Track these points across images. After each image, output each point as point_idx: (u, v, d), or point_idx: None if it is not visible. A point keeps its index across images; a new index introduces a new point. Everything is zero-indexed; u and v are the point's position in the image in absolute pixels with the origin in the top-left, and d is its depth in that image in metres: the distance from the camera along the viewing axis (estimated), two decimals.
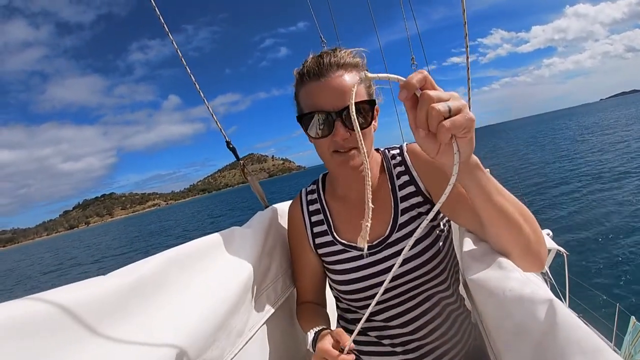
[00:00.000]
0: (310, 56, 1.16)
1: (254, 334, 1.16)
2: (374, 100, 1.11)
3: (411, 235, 1.16)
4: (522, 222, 0.92)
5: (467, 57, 1.28)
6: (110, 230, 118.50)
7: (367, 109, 1.09)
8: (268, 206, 1.61)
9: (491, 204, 0.90)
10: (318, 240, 1.32)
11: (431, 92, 0.67)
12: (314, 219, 1.36)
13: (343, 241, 1.27)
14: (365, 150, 1.13)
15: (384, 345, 1.25)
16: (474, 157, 0.83)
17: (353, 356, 0.99)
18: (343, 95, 1.06)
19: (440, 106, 0.66)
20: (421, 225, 0.76)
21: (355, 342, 1.31)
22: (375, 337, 1.26)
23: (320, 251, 1.32)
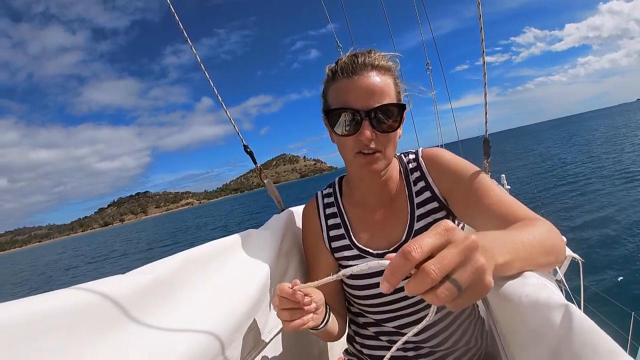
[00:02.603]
0: (346, 55, 1.15)
1: (273, 337, 1.15)
2: (404, 105, 1.10)
3: None
4: (542, 260, 0.89)
5: (485, 74, 1.26)
6: (147, 227, 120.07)
7: (395, 112, 1.07)
8: (284, 209, 1.60)
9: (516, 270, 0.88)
10: (334, 244, 1.29)
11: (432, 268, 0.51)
12: (330, 222, 1.32)
13: (360, 246, 1.25)
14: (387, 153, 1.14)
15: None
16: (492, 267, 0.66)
17: (312, 306, 0.96)
18: (373, 96, 1.05)
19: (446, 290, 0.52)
20: None
21: (366, 346, 1.31)
22: (387, 341, 1.25)
23: (336, 255, 1.29)
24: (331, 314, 1.16)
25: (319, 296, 1.02)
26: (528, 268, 0.89)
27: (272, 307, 1.18)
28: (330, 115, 1.11)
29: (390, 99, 1.08)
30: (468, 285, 0.53)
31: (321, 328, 1.07)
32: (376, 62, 1.09)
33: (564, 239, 0.97)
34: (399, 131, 1.17)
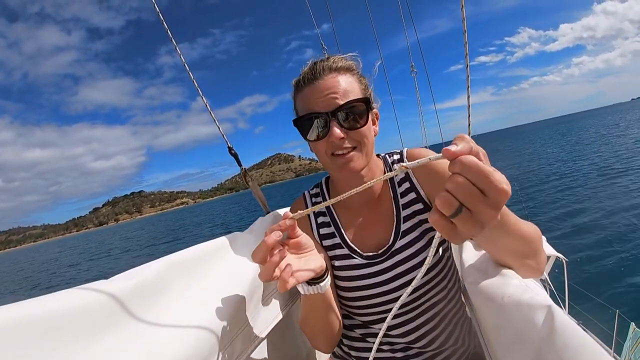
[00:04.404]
0: (307, 65, 1.16)
1: (259, 341, 1.11)
2: (368, 99, 1.09)
3: (414, 244, 1.16)
4: (526, 253, 0.91)
5: (468, 77, 1.26)
6: (144, 226, 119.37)
7: (362, 108, 1.08)
8: (269, 212, 1.57)
9: (499, 248, 0.90)
10: (325, 242, 1.28)
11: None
12: (320, 220, 1.31)
13: (351, 245, 1.24)
14: (366, 151, 1.14)
15: (383, 351, 1.22)
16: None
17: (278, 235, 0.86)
18: (336, 96, 1.06)
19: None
20: (429, 255, 0.63)
21: (353, 348, 1.29)
22: (374, 343, 1.23)
23: (329, 253, 1.27)
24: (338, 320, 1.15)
25: (306, 239, 0.95)
26: (512, 257, 0.92)
27: (257, 311, 1.15)
28: (299, 123, 1.13)
29: (355, 95, 1.09)
30: (461, 223, 0.54)
31: (322, 281, 0.98)
32: (334, 65, 1.11)
33: (544, 238, 0.97)
34: (374, 127, 1.19)
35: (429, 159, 0.57)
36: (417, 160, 0.58)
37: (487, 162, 0.56)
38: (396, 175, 1.23)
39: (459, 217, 0.53)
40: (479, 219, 0.54)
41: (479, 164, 0.52)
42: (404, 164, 0.59)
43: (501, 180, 0.52)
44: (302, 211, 0.83)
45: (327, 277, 1.00)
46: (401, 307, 1.17)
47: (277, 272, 0.86)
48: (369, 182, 0.65)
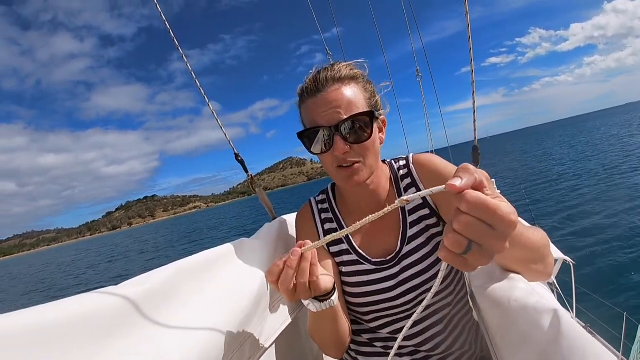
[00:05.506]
0: (311, 73, 1.14)
1: (267, 348, 1.11)
2: (372, 112, 1.07)
3: (421, 249, 1.16)
4: (533, 259, 0.91)
5: (473, 82, 1.26)
6: (159, 229, 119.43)
7: (366, 121, 1.06)
8: (276, 218, 1.57)
9: (506, 258, 0.90)
10: (332, 248, 1.27)
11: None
12: (327, 226, 1.31)
13: (360, 251, 1.23)
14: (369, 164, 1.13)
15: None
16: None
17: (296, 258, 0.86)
18: (340, 109, 1.04)
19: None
20: (442, 269, 0.64)
21: (361, 353, 1.29)
22: (382, 347, 1.24)
23: (336, 259, 1.27)
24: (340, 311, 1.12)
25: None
26: (519, 265, 0.92)
27: (265, 317, 1.15)
28: (303, 137, 1.12)
29: (359, 107, 1.07)
30: (472, 257, 0.54)
31: (332, 296, 0.97)
32: (338, 75, 1.09)
33: (551, 241, 0.97)
34: (380, 136, 1.17)
35: (431, 191, 0.58)
36: (417, 193, 0.60)
37: (492, 187, 0.56)
38: (402, 181, 1.24)
39: (470, 253, 0.54)
40: (489, 251, 0.54)
41: (485, 201, 0.51)
42: (404, 198, 0.60)
43: (509, 211, 0.52)
44: (313, 243, 0.84)
45: (335, 292, 0.99)
46: (407, 311, 1.18)
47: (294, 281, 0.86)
48: (381, 212, 0.64)
